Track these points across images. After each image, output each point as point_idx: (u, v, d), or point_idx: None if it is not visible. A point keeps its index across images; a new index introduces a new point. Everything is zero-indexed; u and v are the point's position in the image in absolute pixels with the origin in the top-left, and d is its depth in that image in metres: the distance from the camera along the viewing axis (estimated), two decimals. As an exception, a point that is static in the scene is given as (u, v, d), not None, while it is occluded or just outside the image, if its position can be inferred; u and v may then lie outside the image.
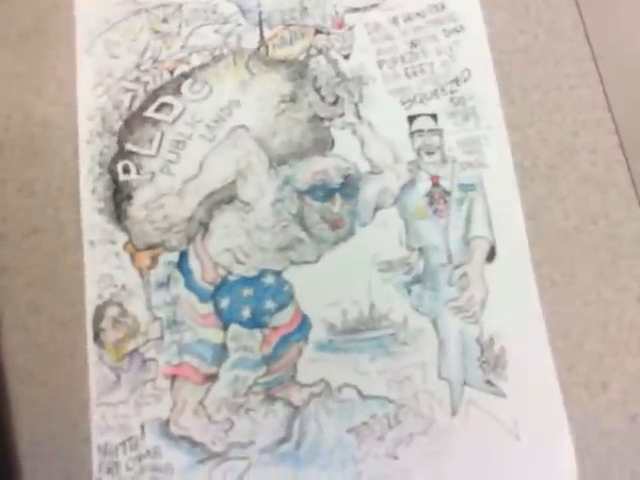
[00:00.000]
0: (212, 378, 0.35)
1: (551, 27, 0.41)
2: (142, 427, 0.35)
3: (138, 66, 0.40)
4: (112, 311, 0.36)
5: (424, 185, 0.38)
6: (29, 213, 0.38)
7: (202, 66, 0.40)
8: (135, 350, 0.36)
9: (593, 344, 0.36)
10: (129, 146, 0.39)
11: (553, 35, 0.41)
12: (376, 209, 0.38)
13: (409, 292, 0.36)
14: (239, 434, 0.35)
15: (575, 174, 0.38)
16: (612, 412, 0.35)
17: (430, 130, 0.39)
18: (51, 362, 0.36)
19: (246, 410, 0.35)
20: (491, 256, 0.37)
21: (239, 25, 0.41)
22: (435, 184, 0.38)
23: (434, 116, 0.39)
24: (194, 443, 0.35)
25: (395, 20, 0.41)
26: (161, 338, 0.36)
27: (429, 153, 0.38)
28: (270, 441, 0.35)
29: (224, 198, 0.38)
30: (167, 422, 0.35)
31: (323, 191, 0.38)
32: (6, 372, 0.35)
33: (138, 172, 0.38)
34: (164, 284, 0.37)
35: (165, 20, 0.41)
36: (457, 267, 0.37)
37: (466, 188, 0.38)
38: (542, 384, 0.35)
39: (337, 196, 0.38)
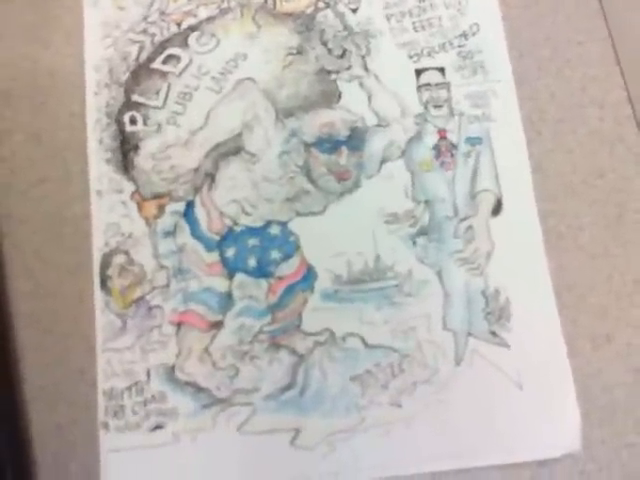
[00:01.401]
0: (217, 325, 0.34)
1: (561, -18, 0.39)
2: (148, 373, 0.34)
3: (145, 18, 0.38)
4: (119, 259, 0.35)
5: (431, 138, 0.36)
6: (36, 163, 0.37)
7: (209, 19, 0.38)
8: (141, 298, 0.34)
9: (598, 297, 0.34)
10: (136, 97, 0.37)
11: (562, -10, 0.39)
12: (382, 162, 0.36)
13: (414, 244, 0.35)
14: (244, 381, 0.33)
15: (583, 128, 0.37)
16: (616, 364, 0.34)
17: (438, 84, 0.37)
18: (57, 309, 0.35)
19: (251, 357, 0.34)
20: (497, 209, 0.35)
21: (247, -23, 0.39)
22: (442, 137, 0.36)
23: (442, 70, 0.37)
24: (199, 389, 0.33)
25: (403, -26, 0.39)
26: (167, 286, 0.35)
27: (436, 106, 0.37)
28: (274, 388, 0.33)
29: (230, 149, 0.36)
30: (172, 368, 0.34)
31: (330, 143, 0.36)
32: (12, 318, 0.34)
33: (145, 123, 0.37)
34: (170, 233, 0.35)
35: (172, -28, 0.39)
36: (463, 220, 0.35)
37: (473, 141, 0.36)
38: (546, 336, 0.34)
39: (344, 148, 0.36)
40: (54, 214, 0.36)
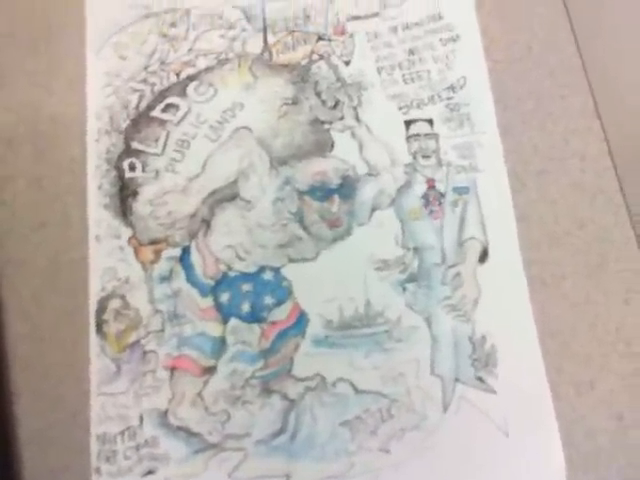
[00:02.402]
0: (210, 371, 0.34)
1: (544, 39, 0.39)
2: (141, 417, 0.33)
3: (146, 68, 0.39)
4: (115, 303, 0.35)
5: (420, 187, 0.36)
6: (37, 207, 0.36)
7: (208, 69, 0.39)
8: (136, 342, 0.34)
9: (581, 344, 0.34)
10: (135, 144, 0.37)
11: (545, 46, 0.39)
12: (373, 210, 0.36)
13: (404, 290, 0.35)
14: (235, 426, 0.33)
15: (565, 180, 0.37)
16: (599, 411, 0.33)
17: (426, 135, 0.37)
18: (53, 352, 0.34)
19: (243, 402, 0.33)
20: (483, 257, 0.35)
21: (244, 31, 0.39)
22: (430, 187, 0.36)
23: (430, 121, 0.38)
24: (191, 434, 0.33)
25: (394, 29, 0.39)
26: (162, 330, 0.34)
27: (425, 157, 0.37)
28: (266, 433, 0.33)
29: (226, 196, 0.36)
30: (165, 413, 0.33)
31: (322, 191, 0.36)
32: (8, 361, 0.34)
33: (144, 170, 0.37)
34: (166, 278, 0.35)
35: (173, 24, 0.39)
36: (451, 267, 0.35)
37: (460, 191, 0.36)
38: (531, 382, 0.34)
39: (335, 196, 0.36)
40: (53, 258, 0.35)
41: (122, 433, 0.33)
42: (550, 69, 0.39)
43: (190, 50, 0.39)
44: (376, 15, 0.40)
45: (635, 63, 0.39)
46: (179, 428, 0.33)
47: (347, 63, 0.39)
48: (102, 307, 0.35)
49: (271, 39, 0.39)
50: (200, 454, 0.32)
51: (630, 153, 0.38)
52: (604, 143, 0.38)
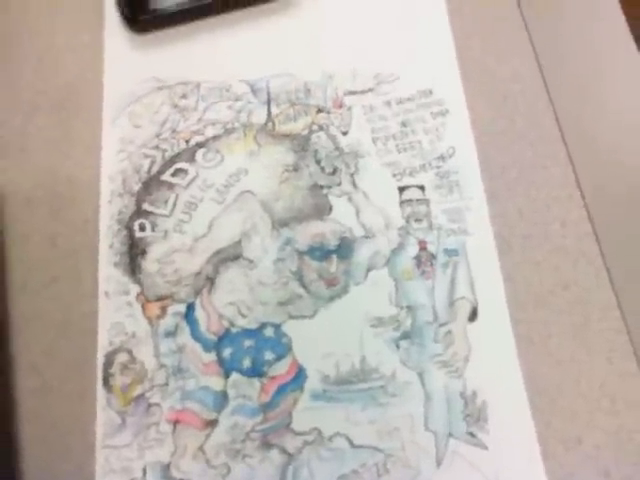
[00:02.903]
0: (212, 424, 0.35)
1: (526, 113, 0.42)
2: (144, 470, 0.34)
3: (158, 135, 0.41)
4: (122, 357, 0.36)
5: (412, 249, 0.38)
6: (50, 264, 0.38)
7: (215, 137, 0.41)
8: (141, 395, 0.35)
9: (567, 401, 0.35)
10: (146, 206, 0.39)
11: (528, 120, 0.42)
12: (368, 270, 0.38)
13: (398, 347, 0.36)
14: (235, 479, 0.34)
15: (548, 244, 0.39)
16: (587, 467, 0.34)
17: (418, 200, 0.40)
18: (61, 405, 0.35)
19: (243, 456, 0.34)
20: (473, 316, 0.37)
21: (250, 103, 0.42)
22: (422, 248, 0.38)
23: (422, 187, 0.40)
24: (192, 487, 0.33)
25: (388, 103, 0.42)
26: (166, 384, 0.35)
27: (417, 220, 0.39)
28: (265, 487, 0.33)
29: (230, 255, 0.38)
30: (168, 466, 0.34)
31: (321, 252, 0.38)
32: (16, 413, 0.34)
33: (153, 230, 0.39)
34: (171, 333, 0.36)
35: (184, 96, 0.42)
36: (442, 325, 0.37)
37: (450, 253, 0.38)
38: (521, 437, 0.35)
39: (333, 257, 0.38)
40: (64, 313, 0.37)
41: (124, 486, 0.33)
42: (531, 141, 0.42)
43: (199, 120, 0.42)
44: (371, 90, 0.43)
45: (612, 133, 0.42)
46: (180, 481, 0.34)
47: (345, 133, 0.41)
48: (109, 361, 0.36)
49: (274, 110, 0.42)
50: (200, 507, 0.33)
51: (610, 218, 0.40)
52: (583, 209, 0.40)
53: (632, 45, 0.46)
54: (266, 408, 0.35)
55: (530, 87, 0.43)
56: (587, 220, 0.40)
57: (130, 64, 0.43)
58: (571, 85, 0.43)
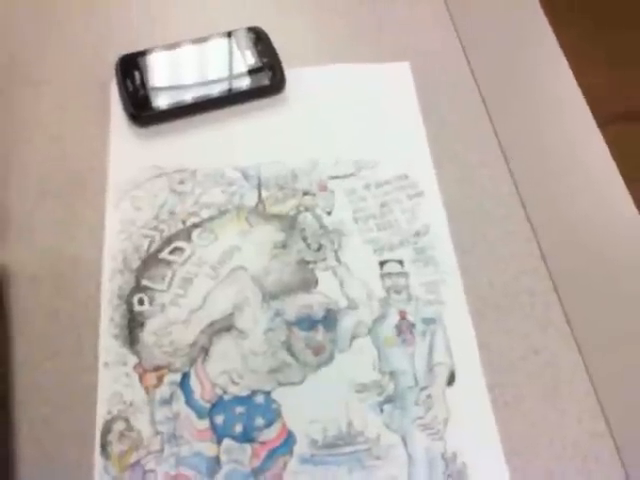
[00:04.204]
0: (205, 489, 0.37)
1: (493, 195, 0.48)
2: (139, 536, 0.36)
3: (157, 217, 0.46)
4: (119, 426, 0.39)
5: (393, 318, 0.43)
6: (52, 338, 0.42)
7: (210, 218, 0.46)
8: (137, 462, 0.38)
9: (543, 460, 0.39)
10: (144, 282, 0.44)
11: (494, 201, 0.48)
12: (353, 338, 0.42)
13: (382, 411, 0.40)
14: None
15: (518, 312, 0.44)
16: (564, 524, 0.37)
17: (397, 273, 0.44)
18: (60, 473, 0.38)
19: (235, 520, 0.36)
20: (451, 380, 0.41)
21: (242, 187, 0.48)
22: (402, 318, 0.43)
23: (401, 262, 0.45)
24: None
25: (368, 186, 0.48)
26: (161, 451, 0.38)
27: (397, 292, 0.44)
28: None
29: (223, 327, 0.42)
30: (162, 532, 0.36)
31: (308, 322, 0.42)
32: (17, 482, 0.37)
33: (151, 304, 0.43)
34: (167, 401, 0.40)
35: (182, 182, 0.48)
36: (423, 389, 0.40)
37: (428, 322, 0.43)
38: (500, 497, 0.38)
39: (320, 327, 0.42)
40: (64, 384, 0.40)
41: None
42: (499, 219, 0.47)
43: (195, 203, 0.47)
44: (353, 175, 0.49)
45: (574, 210, 0.48)
46: None
47: (329, 213, 0.47)
48: (107, 429, 0.39)
49: (264, 194, 0.47)
50: None
51: (574, 288, 0.45)
52: (549, 280, 0.45)
53: (592, 123, 0.53)
54: (257, 472, 0.38)
55: (496, 172, 0.50)
56: (553, 290, 0.45)
57: (133, 154, 0.49)
58: (533, 168, 0.50)
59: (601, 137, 0.52)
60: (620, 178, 0.50)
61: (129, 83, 0.50)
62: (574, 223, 0.48)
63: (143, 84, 0.51)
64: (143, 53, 0.52)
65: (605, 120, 0.57)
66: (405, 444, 0.39)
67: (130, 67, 0.51)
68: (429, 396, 0.40)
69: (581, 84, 0.56)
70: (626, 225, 0.48)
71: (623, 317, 0.44)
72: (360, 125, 0.51)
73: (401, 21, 0.58)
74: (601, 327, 0.44)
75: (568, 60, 0.58)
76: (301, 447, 0.39)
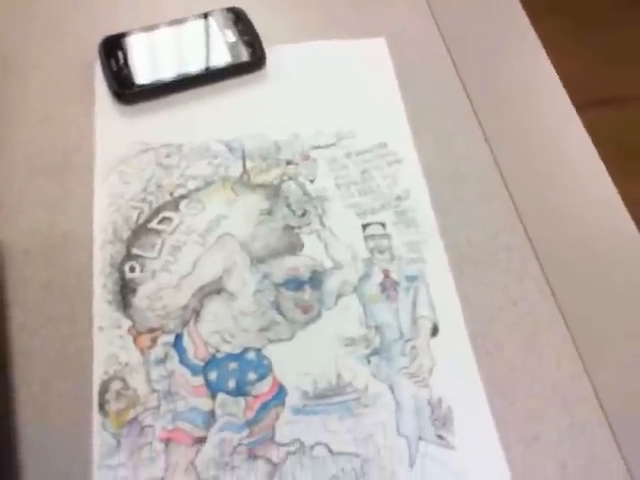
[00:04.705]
0: (201, 441, 0.39)
1: (468, 160, 0.51)
2: (138, 487, 0.37)
3: (145, 190, 0.48)
4: (116, 385, 0.40)
5: (377, 277, 0.45)
6: (47, 306, 0.43)
7: (197, 189, 0.48)
8: (134, 418, 0.39)
9: (523, 402, 0.41)
10: (135, 250, 0.45)
11: (470, 166, 0.50)
12: (339, 296, 0.44)
13: (369, 362, 0.42)
14: (225, 490, 0.37)
15: (496, 267, 0.46)
16: (545, 460, 0.39)
17: (380, 235, 0.46)
18: (58, 432, 0.39)
19: (231, 468, 0.38)
20: (434, 332, 0.43)
21: (227, 159, 0.49)
22: (386, 276, 0.45)
23: (383, 224, 0.47)
24: (185, 500, 0.37)
25: (349, 155, 0.50)
26: (158, 407, 0.40)
27: (380, 252, 0.46)
28: (252, 496, 0.37)
29: (213, 290, 0.44)
30: (161, 481, 0.38)
31: (295, 283, 0.44)
32: (18, 444, 0.38)
33: (142, 271, 0.44)
34: (162, 361, 0.41)
35: (168, 156, 0.49)
36: (407, 341, 0.42)
37: (411, 279, 0.45)
38: (484, 437, 0.40)
39: (307, 287, 0.44)
40: (59, 349, 0.41)
41: (121, 503, 0.37)
42: (473, 183, 0.50)
43: (182, 175, 0.49)
44: (333, 145, 0.51)
45: (546, 164, 0.50)
46: (173, 495, 0.37)
47: (312, 181, 0.49)
48: (104, 389, 0.40)
49: (249, 164, 0.49)
50: (192, 519, 0.37)
51: (548, 243, 0.47)
52: (525, 237, 0.47)
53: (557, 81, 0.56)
54: (251, 423, 0.39)
55: (471, 139, 0.52)
56: (529, 246, 0.47)
57: (119, 131, 0.50)
58: (508, 134, 0.52)
59: (572, 110, 0.55)
60: (588, 138, 0.52)
61: (113, 63, 0.52)
62: (547, 184, 0.51)
63: (127, 64, 0.52)
64: (126, 34, 0.54)
65: (582, 105, 0.59)
66: (392, 392, 0.41)
67: (114, 48, 0.53)
68: (414, 347, 0.42)
69: (558, 71, 0.59)
70: (596, 185, 0.51)
71: (597, 268, 0.46)
72: (339, 98, 0.53)
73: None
74: (576, 278, 0.46)
75: (545, 47, 0.60)
76: (293, 399, 0.40)
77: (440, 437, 0.39)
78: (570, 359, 0.43)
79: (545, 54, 0.59)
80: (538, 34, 0.61)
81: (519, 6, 0.62)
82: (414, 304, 0.44)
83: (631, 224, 0.48)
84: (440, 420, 0.40)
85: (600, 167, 0.51)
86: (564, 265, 0.46)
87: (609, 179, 0.51)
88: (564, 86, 0.57)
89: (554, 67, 0.58)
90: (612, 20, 1.80)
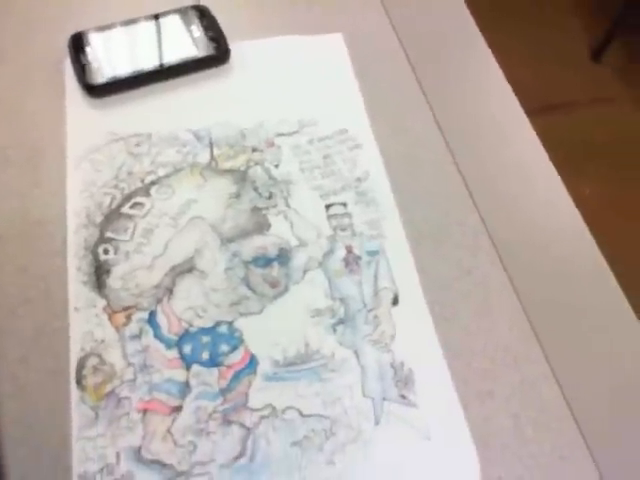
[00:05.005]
0: (177, 409, 0.40)
1: (422, 144, 0.54)
2: (117, 455, 0.39)
3: (116, 177, 0.49)
4: (92, 361, 0.42)
5: (340, 252, 0.47)
6: (23, 287, 0.44)
7: (166, 175, 0.50)
8: (112, 391, 0.41)
9: (479, 362, 0.44)
10: (108, 234, 0.47)
11: (424, 149, 0.53)
12: (305, 271, 0.46)
13: (335, 331, 0.44)
14: (201, 454, 0.39)
15: (450, 241, 0.49)
16: (499, 413, 0.42)
17: (342, 214, 0.49)
18: (38, 407, 0.40)
19: (207, 433, 0.40)
20: (395, 301, 0.46)
21: (195, 147, 0.51)
22: (349, 251, 0.47)
23: (345, 204, 0.50)
24: (163, 465, 0.39)
25: (311, 141, 0.53)
26: (134, 380, 0.41)
27: (342, 230, 0.48)
28: (228, 458, 0.39)
29: (185, 269, 0.46)
30: (139, 449, 0.39)
31: (264, 260, 0.46)
32: (-2, 417, 0.39)
33: (115, 253, 0.46)
34: (137, 336, 0.43)
35: (138, 144, 0.51)
36: (370, 310, 0.45)
37: (372, 254, 0.48)
38: (444, 395, 0.42)
39: (275, 264, 0.46)
40: (37, 328, 0.43)
41: (101, 470, 0.38)
42: (429, 163, 0.53)
43: (152, 162, 0.50)
44: (296, 132, 0.53)
45: (492, 144, 0.54)
46: (152, 461, 0.39)
47: (277, 166, 0.51)
48: (81, 365, 0.41)
49: (216, 152, 0.51)
50: (171, 481, 0.38)
51: (498, 218, 0.51)
52: (477, 214, 0.51)
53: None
54: (225, 392, 0.41)
55: (425, 125, 0.55)
56: (480, 221, 0.50)
57: (89, 122, 0.52)
58: (459, 120, 0.55)
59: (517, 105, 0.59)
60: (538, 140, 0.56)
61: (82, 58, 0.54)
62: (496, 168, 0.54)
63: (96, 58, 0.54)
64: (95, 30, 0.55)
65: (532, 111, 0.63)
66: (357, 357, 0.43)
67: (83, 44, 0.54)
68: (376, 316, 0.45)
69: (507, 78, 0.62)
70: (538, 166, 0.54)
71: (541, 240, 0.50)
72: (301, 89, 0.56)
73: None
74: (523, 250, 0.49)
75: (494, 54, 0.64)
76: (264, 367, 0.42)
77: (403, 397, 0.42)
78: (519, 323, 0.46)
79: (494, 59, 0.62)
80: (487, 39, 0.65)
81: (467, 12, 0.66)
82: (375, 277, 0.47)
83: (569, 200, 0.52)
84: (402, 381, 0.43)
85: (544, 156, 0.55)
86: (512, 239, 0.50)
87: (553, 169, 0.54)
88: (514, 92, 0.60)
89: (504, 72, 0.62)
90: (557, 24, 1.89)
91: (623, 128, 1.71)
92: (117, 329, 0.43)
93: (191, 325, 0.44)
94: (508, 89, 0.59)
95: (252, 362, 0.43)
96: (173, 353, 0.42)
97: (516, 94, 0.59)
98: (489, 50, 0.62)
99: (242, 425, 0.40)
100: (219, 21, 0.58)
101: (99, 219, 0.47)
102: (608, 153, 1.65)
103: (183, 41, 0.56)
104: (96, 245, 0.46)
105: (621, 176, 1.60)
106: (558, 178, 0.54)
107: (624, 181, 1.59)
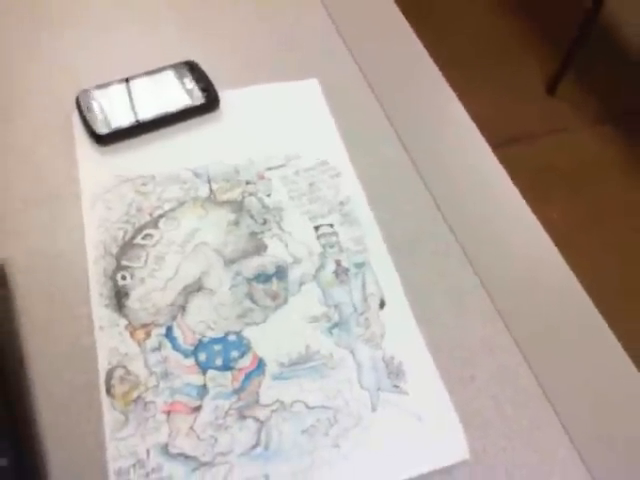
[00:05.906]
0: (198, 409, 0.46)
1: (396, 169, 0.61)
2: (147, 451, 0.44)
3: (127, 213, 0.55)
4: (119, 372, 0.47)
5: (331, 266, 0.54)
6: (51, 313, 0.50)
7: (172, 209, 0.56)
8: (138, 397, 0.46)
9: (460, 353, 0.50)
10: (124, 262, 0.53)
11: (397, 174, 0.61)
12: (301, 284, 0.53)
13: (331, 334, 0.50)
14: (221, 446, 0.44)
15: (425, 250, 0.56)
16: (480, 395, 0.48)
17: (330, 233, 0.56)
18: (72, 416, 0.45)
19: (225, 428, 0.45)
20: (382, 305, 0.52)
21: (195, 183, 0.58)
22: (338, 265, 0.54)
23: (331, 225, 0.56)
24: (188, 457, 0.44)
25: (297, 172, 0.60)
26: (157, 386, 0.46)
27: (331, 247, 0.55)
28: (245, 448, 0.44)
29: (194, 288, 0.52)
30: (166, 445, 0.44)
31: (264, 277, 0.53)
32: (38, 427, 0.44)
33: (132, 278, 0.52)
34: (157, 349, 0.48)
35: (144, 184, 0.57)
36: (361, 314, 0.51)
37: (358, 265, 0.54)
38: (431, 382, 0.48)
39: (274, 279, 0.53)
40: (66, 347, 0.48)
41: (134, 465, 0.43)
42: (403, 186, 0.60)
43: (158, 199, 0.57)
44: (283, 165, 0.60)
45: (460, 163, 0.61)
46: (178, 454, 0.44)
47: (269, 196, 0.58)
48: (109, 376, 0.47)
49: (214, 186, 0.58)
50: (197, 471, 0.43)
51: (465, 229, 0.58)
52: (446, 225, 0.58)
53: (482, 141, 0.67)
54: (238, 391, 0.47)
55: (397, 154, 0.63)
56: (450, 233, 0.57)
57: (99, 168, 0.58)
58: (428, 149, 0.63)
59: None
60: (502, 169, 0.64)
61: (89, 112, 0.61)
62: (463, 187, 0.62)
63: (102, 111, 0.61)
64: (100, 86, 0.62)
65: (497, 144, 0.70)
66: (353, 355, 0.49)
67: (89, 99, 0.61)
68: (367, 319, 0.51)
69: (470, 114, 0.70)
70: (500, 186, 0.62)
71: (507, 242, 0.57)
72: (284, 128, 0.63)
73: (305, 45, 0.72)
74: (491, 253, 0.56)
75: (456, 92, 0.71)
76: (271, 368, 0.48)
77: (395, 386, 0.48)
78: (492, 318, 0.53)
79: (454, 95, 0.70)
80: (448, 79, 0.73)
81: (426, 55, 0.74)
82: (363, 285, 0.53)
83: (525, 206, 0.60)
84: (394, 373, 0.49)
85: (507, 179, 0.63)
86: (481, 245, 0.57)
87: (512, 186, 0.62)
88: (478, 127, 0.68)
89: (467, 109, 0.70)
90: (513, 62, 2.03)
91: (581, 154, 1.84)
92: (139, 343, 0.48)
93: (204, 336, 0.49)
94: (470, 123, 0.67)
95: (260, 365, 0.48)
96: (190, 361, 0.48)
97: (480, 129, 0.68)
98: (450, 88, 0.71)
99: (256, 419, 0.46)
100: (208, 73, 0.66)
101: (115, 250, 0.53)
102: (570, 178, 1.77)
103: (177, 93, 0.64)
104: (114, 272, 0.52)
105: (584, 198, 1.71)
106: (516, 190, 0.61)
107: (588, 202, 1.70)
